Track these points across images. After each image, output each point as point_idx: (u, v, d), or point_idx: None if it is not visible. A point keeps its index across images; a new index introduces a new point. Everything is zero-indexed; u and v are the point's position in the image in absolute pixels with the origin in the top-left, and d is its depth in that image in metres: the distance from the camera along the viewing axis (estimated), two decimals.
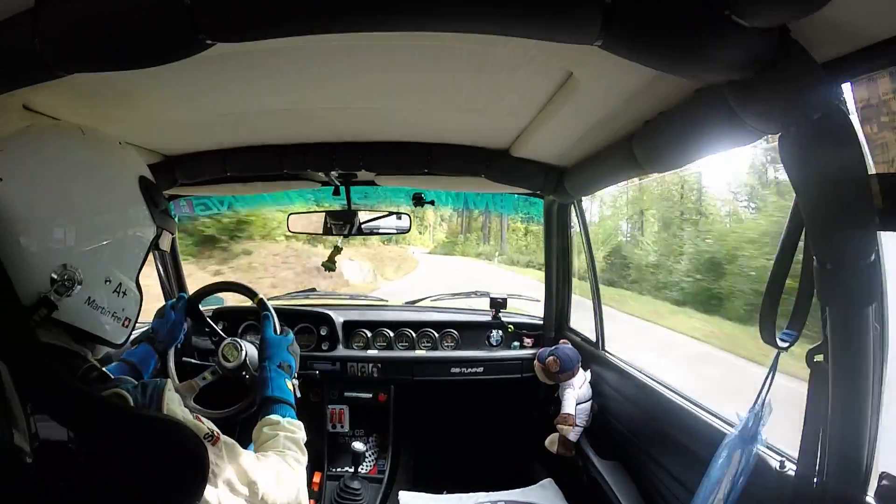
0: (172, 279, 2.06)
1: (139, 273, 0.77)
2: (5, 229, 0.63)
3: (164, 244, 0.82)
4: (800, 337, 0.76)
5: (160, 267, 2.03)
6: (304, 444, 0.94)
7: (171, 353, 1.55)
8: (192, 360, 1.80)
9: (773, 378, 0.83)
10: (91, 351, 0.74)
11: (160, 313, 1.41)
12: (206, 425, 0.71)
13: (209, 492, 0.66)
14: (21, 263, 0.62)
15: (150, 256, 0.80)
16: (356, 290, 8.32)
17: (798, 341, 0.78)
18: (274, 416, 0.96)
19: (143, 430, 0.62)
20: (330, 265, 1.91)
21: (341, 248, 1.92)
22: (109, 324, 0.72)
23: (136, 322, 0.77)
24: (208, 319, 1.65)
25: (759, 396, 0.86)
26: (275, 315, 1.33)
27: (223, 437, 0.72)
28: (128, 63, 0.65)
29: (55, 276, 0.64)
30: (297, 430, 0.95)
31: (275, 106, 1.14)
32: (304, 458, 0.91)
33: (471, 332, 2.11)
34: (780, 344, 0.76)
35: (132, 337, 1.23)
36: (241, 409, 1.53)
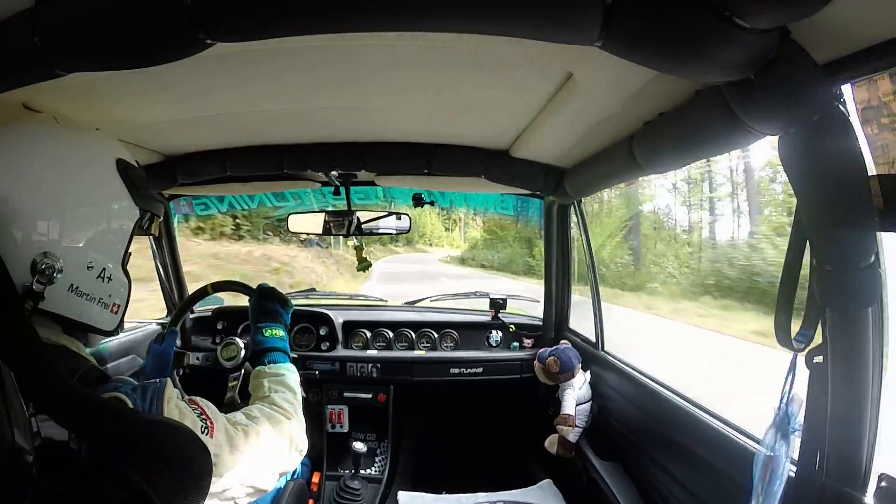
0: (172, 278, 2.06)
1: (125, 258, 0.76)
2: None
3: (153, 228, 0.81)
4: (814, 337, 0.76)
5: (159, 266, 2.03)
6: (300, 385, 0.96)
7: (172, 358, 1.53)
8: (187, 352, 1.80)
9: (793, 379, 0.83)
10: (84, 342, 0.74)
11: (149, 349, 1.39)
12: (201, 407, 0.71)
13: (215, 482, 0.66)
14: (7, 255, 0.62)
15: (151, 255, 0.80)
16: None
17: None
18: (257, 368, 0.97)
19: (144, 433, 0.62)
20: (364, 264, 1.90)
21: (362, 246, 1.91)
22: (97, 311, 0.72)
23: (126, 308, 0.77)
24: (189, 357, 1.59)
25: (781, 399, 0.84)
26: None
27: (217, 423, 0.71)
28: (128, 62, 0.65)
29: (35, 266, 0.64)
30: (281, 370, 0.95)
31: (275, 106, 1.14)
32: (294, 396, 0.91)
33: (470, 333, 2.11)
34: (796, 346, 0.76)
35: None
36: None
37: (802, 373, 0.78)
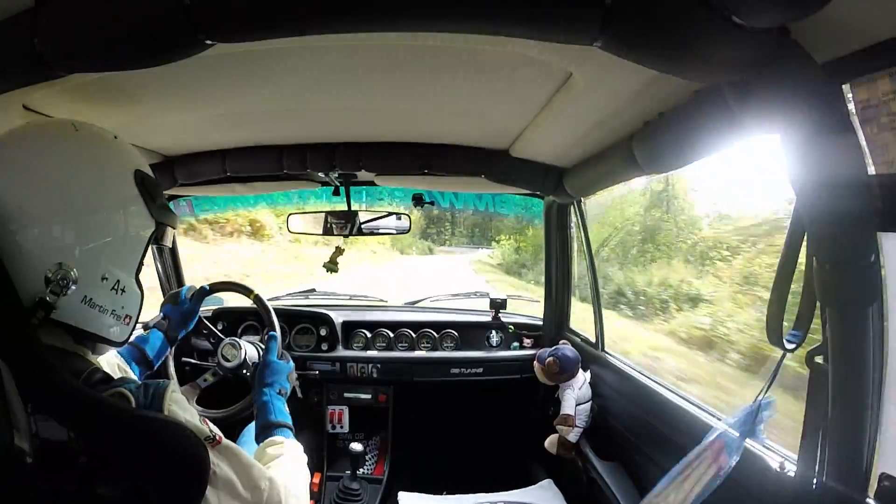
0: (172, 276, 2.06)
1: (139, 270, 0.76)
2: (1, 228, 0.62)
3: (166, 240, 0.80)
4: (806, 338, 0.76)
5: (159, 267, 2.03)
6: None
7: (171, 353, 1.55)
8: (192, 361, 1.80)
9: (774, 378, 0.85)
10: (91, 350, 0.73)
11: (172, 300, 1.40)
12: (209, 428, 0.70)
13: (210, 493, 0.65)
14: (18, 263, 0.62)
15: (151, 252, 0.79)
16: None
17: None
18: (278, 437, 0.96)
19: (143, 430, 0.62)
20: (332, 266, 1.91)
21: (343, 249, 1.92)
22: (109, 322, 0.71)
23: (137, 320, 0.76)
24: (205, 321, 1.66)
25: (760, 393, 0.87)
26: (279, 338, 1.34)
27: (226, 441, 0.70)
28: (128, 63, 0.65)
29: (49, 276, 0.63)
30: (300, 451, 0.95)
31: (274, 106, 1.14)
32: (309, 478, 0.91)
33: (470, 333, 2.11)
34: (787, 346, 0.76)
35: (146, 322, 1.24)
36: (241, 408, 1.53)
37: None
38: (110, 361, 1.04)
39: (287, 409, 1.08)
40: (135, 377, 1.11)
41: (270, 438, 0.96)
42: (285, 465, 0.87)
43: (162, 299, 2.09)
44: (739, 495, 0.91)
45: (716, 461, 0.91)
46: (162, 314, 1.36)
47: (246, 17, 0.57)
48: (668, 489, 0.97)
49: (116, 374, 0.96)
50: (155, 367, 1.29)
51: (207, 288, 1.46)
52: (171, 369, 1.61)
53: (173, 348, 1.47)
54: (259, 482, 0.72)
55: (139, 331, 1.27)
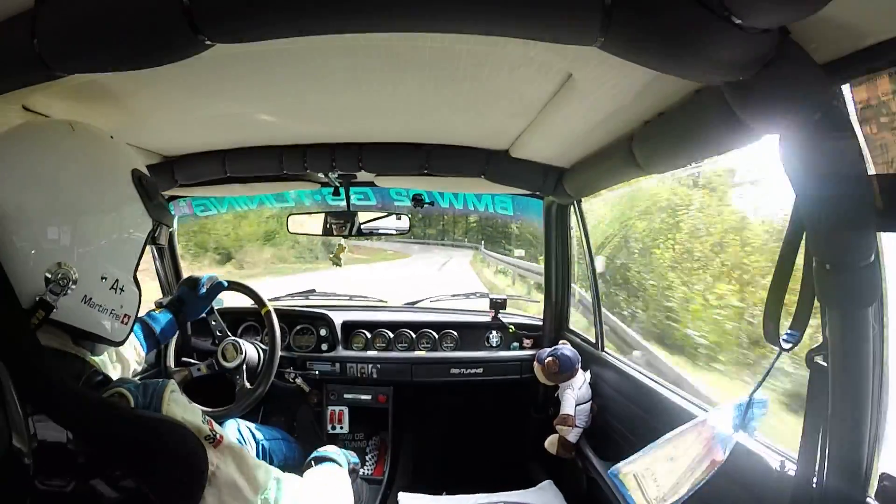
0: (171, 276, 2.06)
1: (137, 268, 0.76)
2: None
3: (162, 238, 0.80)
4: (802, 337, 0.76)
5: (159, 267, 2.03)
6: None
7: (173, 340, 1.56)
8: (192, 361, 1.80)
9: (766, 375, 0.86)
10: (90, 350, 0.73)
11: (190, 284, 1.41)
12: (211, 427, 0.69)
13: (209, 493, 0.65)
14: (16, 264, 0.62)
15: (148, 252, 0.79)
16: None
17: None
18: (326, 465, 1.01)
19: (141, 430, 0.62)
20: (336, 261, 2.02)
21: (345, 246, 1.99)
22: (109, 322, 0.71)
23: (136, 319, 0.76)
24: (217, 313, 1.66)
25: (753, 390, 0.88)
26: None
27: (228, 441, 0.70)
28: (127, 63, 0.65)
29: (49, 276, 0.63)
30: (339, 477, 0.98)
31: (274, 106, 1.14)
32: (347, 487, 0.94)
33: (470, 333, 2.11)
34: (784, 345, 0.76)
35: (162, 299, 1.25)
36: (230, 410, 1.53)
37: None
38: None
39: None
40: (142, 353, 1.14)
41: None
42: (310, 475, 0.89)
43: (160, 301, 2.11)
44: (740, 494, 0.91)
45: (708, 454, 0.92)
46: (178, 295, 1.37)
47: (246, 17, 0.57)
48: (646, 457, 1.04)
49: (128, 350, 0.97)
50: (161, 346, 1.30)
51: (226, 284, 1.47)
52: (171, 356, 1.62)
53: (175, 338, 1.48)
54: (267, 483, 0.72)
55: (150, 306, 1.27)
